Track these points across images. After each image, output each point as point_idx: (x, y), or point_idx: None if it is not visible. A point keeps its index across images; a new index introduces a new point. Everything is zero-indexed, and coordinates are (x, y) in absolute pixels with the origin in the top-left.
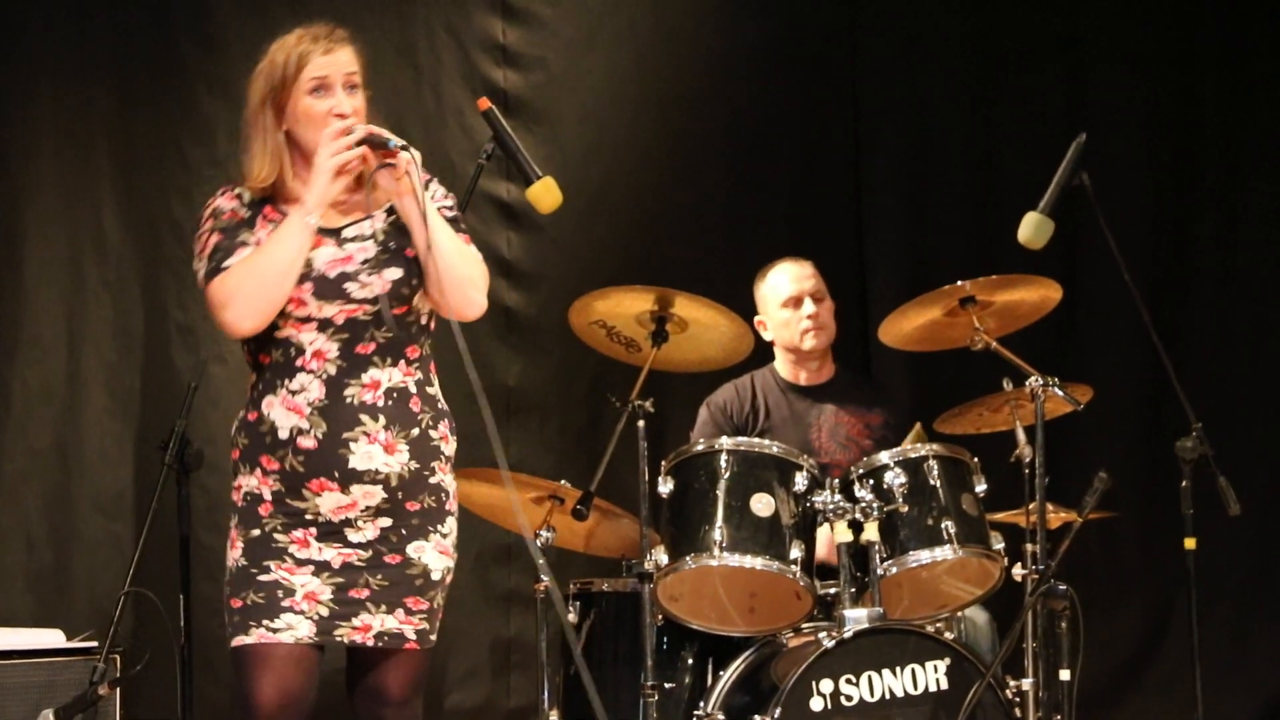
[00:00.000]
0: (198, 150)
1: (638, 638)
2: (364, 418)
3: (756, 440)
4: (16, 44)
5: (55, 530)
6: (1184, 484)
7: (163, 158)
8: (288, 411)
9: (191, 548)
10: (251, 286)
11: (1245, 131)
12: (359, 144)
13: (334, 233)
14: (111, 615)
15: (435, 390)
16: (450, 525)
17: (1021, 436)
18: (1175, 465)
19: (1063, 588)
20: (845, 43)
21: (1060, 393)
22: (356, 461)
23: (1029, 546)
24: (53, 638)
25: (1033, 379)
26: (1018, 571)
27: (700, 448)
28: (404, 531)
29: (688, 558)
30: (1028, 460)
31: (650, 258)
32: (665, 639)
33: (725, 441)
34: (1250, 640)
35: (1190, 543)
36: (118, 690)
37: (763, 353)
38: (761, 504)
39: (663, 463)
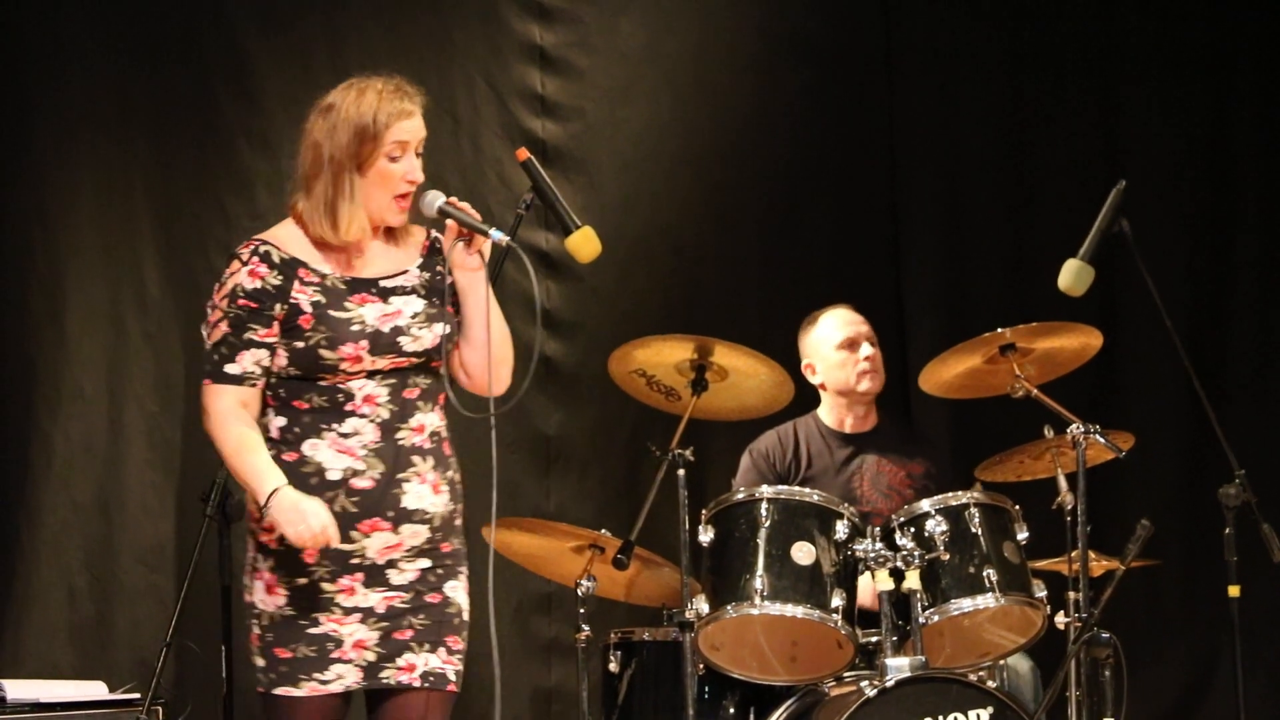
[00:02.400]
0: (237, 203)
1: (679, 687)
2: (415, 459)
3: (797, 489)
4: (57, 99)
5: (97, 582)
6: (1227, 531)
7: (202, 210)
8: (338, 453)
9: (233, 599)
10: (220, 451)
11: None
12: (442, 215)
13: (372, 285)
14: (154, 667)
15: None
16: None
17: (1063, 484)
18: (1218, 512)
19: (1106, 636)
20: (881, 92)
21: (1102, 440)
22: (409, 501)
23: (1071, 594)
24: (95, 689)
25: (1074, 426)
26: (1060, 619)
27: (740, 496)
28: (440, 571)
29: (729, 606)
30: (1070, 508)
31: (689, 306)
32: (706, 688)
33: (765, 490)
34: None
35: (1234, 590)
36: None
37: (802, 401)
38: (802, 552)
39: (703, 511)
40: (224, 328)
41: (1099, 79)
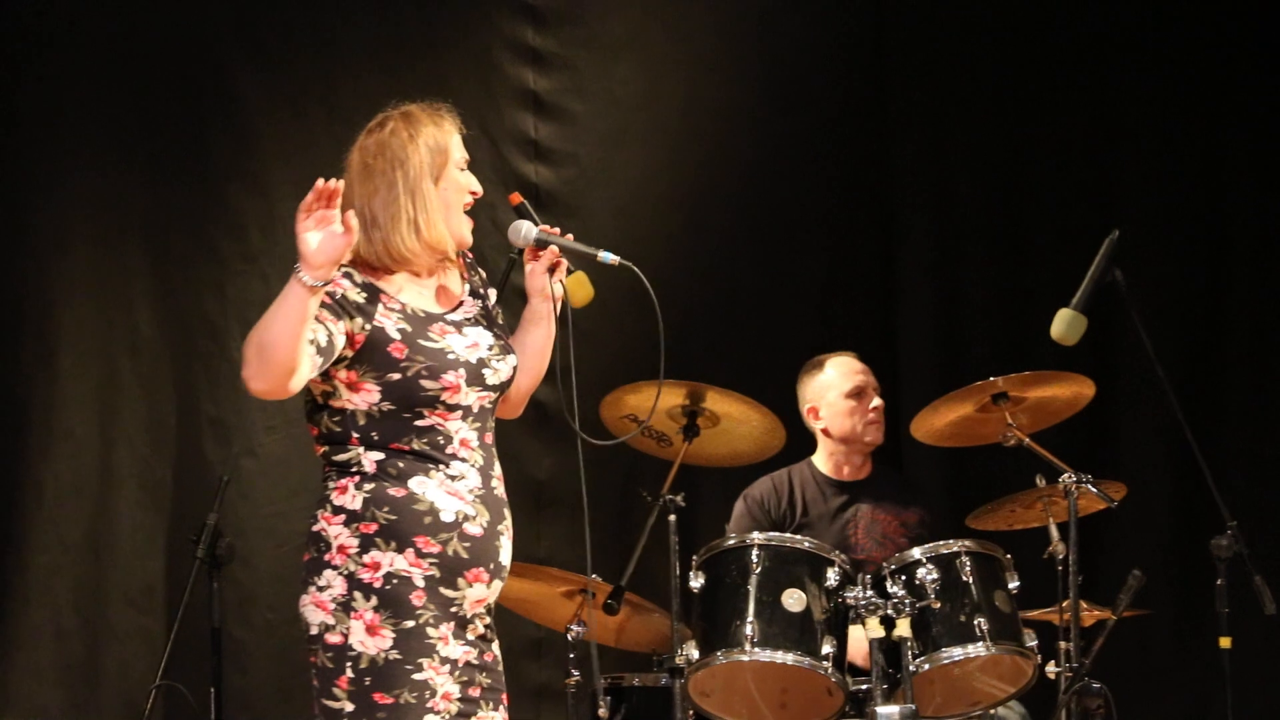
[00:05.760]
0: (230, 245)
1: None
2: (505, 511)
3: (788, 535)
4: (50, 140)
5: (86, 623)
6: (1219, 582)
7: (195, 252)
8: (447, 495)
9: (223, 641)
10: (257, 338)
11: (1278, 225)
12: (539, 245)
13: (440, 318)
14: (142, 709)
15: None
16: None
17: (1055, 533)
18: (1210, 563)
19: (1097, 686)
20: (875, 139)
21: (1094, 490)
22: (503, 555)
23: (1062, 644)
24: None
25: (1066, 475)
26: (1051, 669)
27: (731, 542)
28: (492, 629)
29: (719, 653)
30: (1061, 557)
31: (682, 352)
32: None
33: (757, 536)
34: None
35: (1225, 642)
36: None
37: (794, 447)
38: (793, 599)
39: (694, 557)
40: None
41: (1093, 127)
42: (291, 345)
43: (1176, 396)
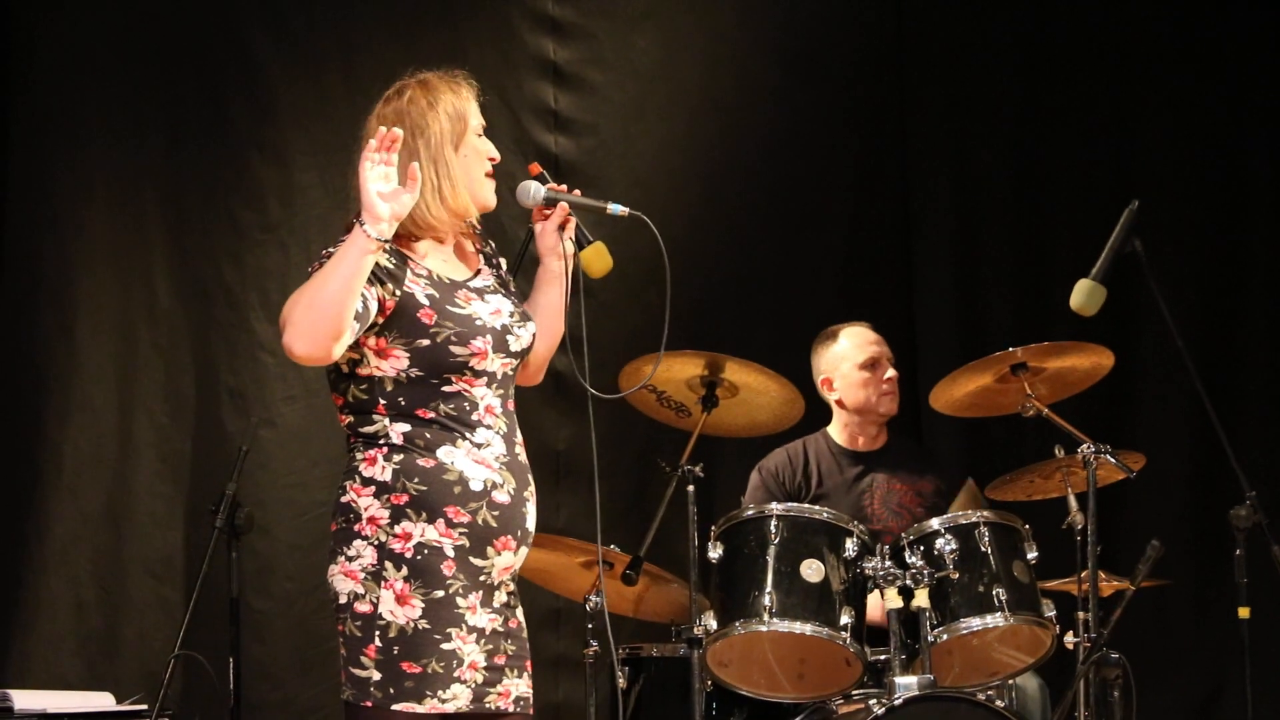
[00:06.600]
0: (249, 214)
1: (687, 704)
2: (529, 477)
3: (806, 506)
4: (69, 109)
5: (105, 593)
6: (1238, 552)
7: (214, 222)
8: (475, 464)
9: (241, 611)
10: (309, 299)
11: None
12: (549, 204)
13: (462, 286)
14: (161, 678)
15: None
16: None
17: (1073, 504)
18: (1229, 533)
19: (1115, 656)
20: (894, 111)
21: (1112, 460)
22: (529, 522)
23: (1081, 614)
24: (103, 700)
25: (1085, 446)
26: (1070, 639)
27: (750, 513)
28: (515, 596)
29: (737, 623)
30: (1080, 527)
31: (701, 323)
32: (714, 705)
33: (775, 507)
34: None
35: (1244, 611)
36: None
37: (813, 418)
38: (811, 570)
39: (712, 528)
40: (316, 265)
41: (1112, 99)
42: (346, 303)
43: (1195, 367)
